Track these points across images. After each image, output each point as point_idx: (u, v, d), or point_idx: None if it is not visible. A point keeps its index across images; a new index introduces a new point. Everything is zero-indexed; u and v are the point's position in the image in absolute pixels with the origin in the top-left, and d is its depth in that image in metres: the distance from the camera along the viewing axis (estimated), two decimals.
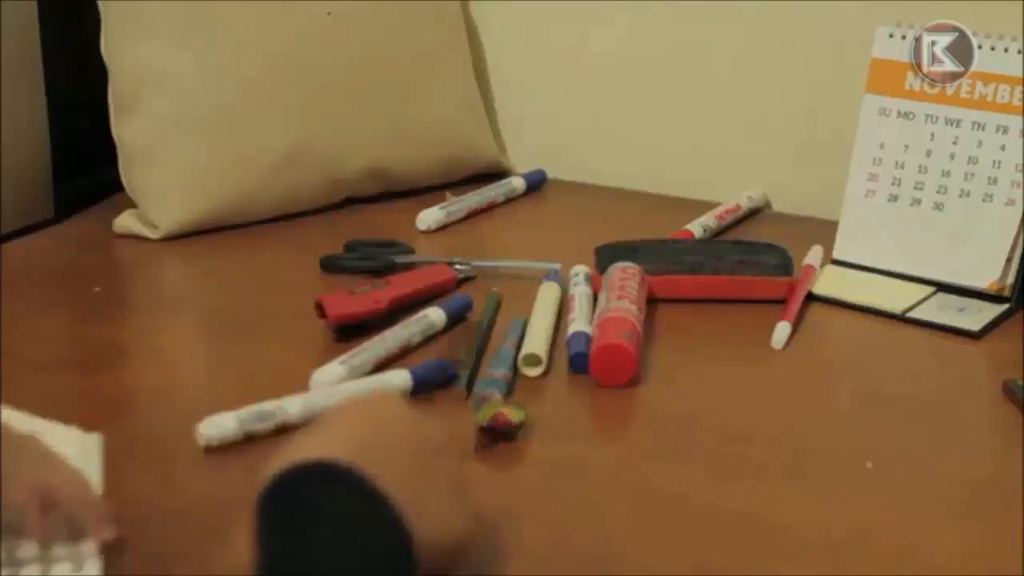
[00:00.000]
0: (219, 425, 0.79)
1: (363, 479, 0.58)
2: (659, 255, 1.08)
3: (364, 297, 0.98)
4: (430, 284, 1.03)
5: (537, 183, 1.35)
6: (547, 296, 1.02)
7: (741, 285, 1.05)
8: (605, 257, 1.07)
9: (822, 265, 1.10)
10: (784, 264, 1.07)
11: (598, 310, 0.96)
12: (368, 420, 0.65)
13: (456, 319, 0.99)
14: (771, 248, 1.10)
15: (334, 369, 0.88)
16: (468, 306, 1.01)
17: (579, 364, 0.91)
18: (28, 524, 0.65)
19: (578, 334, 0.94)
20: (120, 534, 0.67)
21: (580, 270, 1.05)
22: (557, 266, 1.07)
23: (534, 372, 0.91)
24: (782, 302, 1.02)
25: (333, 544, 0.55)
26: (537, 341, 0.93)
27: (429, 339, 0.96)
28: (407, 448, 0.63)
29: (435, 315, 0.97)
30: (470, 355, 0.92)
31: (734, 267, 1.06)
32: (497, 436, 0.82)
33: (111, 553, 0.66)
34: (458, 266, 1.08)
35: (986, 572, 0.68)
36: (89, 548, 0.66)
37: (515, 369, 0.91)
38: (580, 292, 1.01)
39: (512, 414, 0.82)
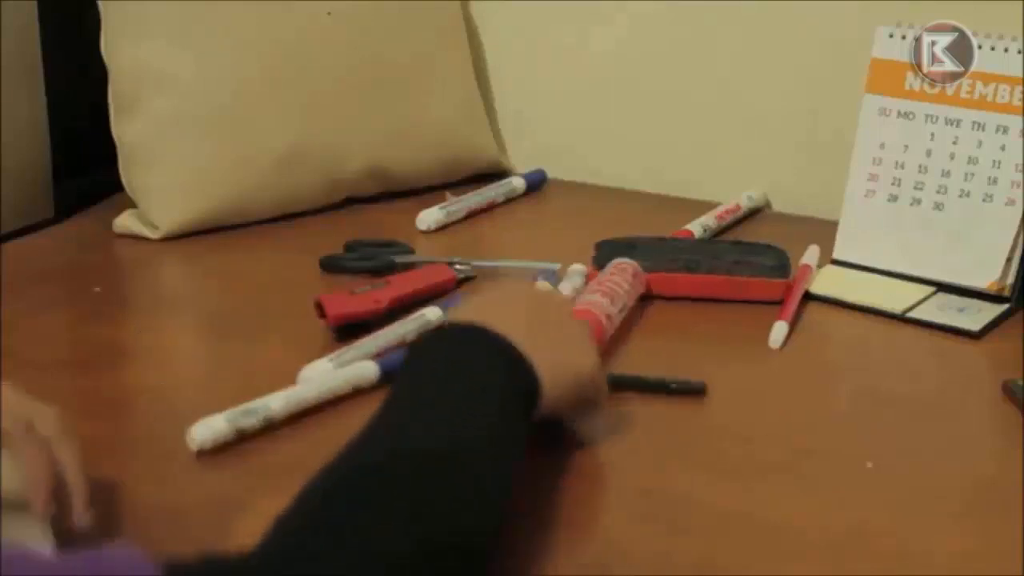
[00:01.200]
0: (210, 427, 0.79)
1: (498, 336, 0.72)
2: (657, 252, 1.08)
3: (364, 297, 0.98)
4: (430, 284, 1.03)
5: (537, 183, 1.35)
6: None
7: (737, 285, 1.05)
8: (604, 253, 1.07)
9: (820, 265, 1.10)
10: (781, 265, 1.07)
11: (576, 303, 0.96)
12: (516, 298, 0.82)
13: None
14: (770, 249, 1.10)
15: (323, 366, 0.88)
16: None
17: None
18: (38, 501, 0.66)
19: None
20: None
21: (577, 268, 1.05)
22: (556, 266, 1.07)
23: None
24: (779, 303, 1.02)
25: (475, 382, 0.71)
26: None
27: None
28: (543, 317, 0.79)
29: (432, 314, 0.97)
30: None
31: (730, 267, 1.06)
32: None
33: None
34: (458, 266, 1.08)
35: (986, 572, 0.68)
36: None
37: None
38: (568, 289, 1.02)
39: None
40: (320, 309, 0.96)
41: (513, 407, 0.72)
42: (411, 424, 0.67)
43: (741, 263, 1.06)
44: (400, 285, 1.02)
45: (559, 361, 0.76)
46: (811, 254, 1.10)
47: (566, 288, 1.03)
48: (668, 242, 1.13)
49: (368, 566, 0.57)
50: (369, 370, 0.88)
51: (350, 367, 0.89)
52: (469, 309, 0.79)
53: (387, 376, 0.88)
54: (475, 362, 0.72)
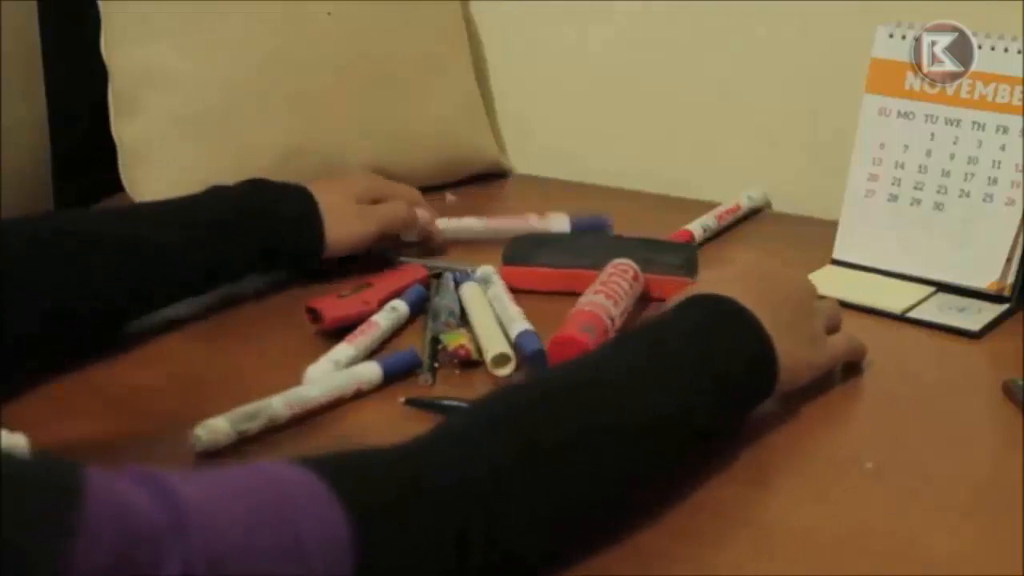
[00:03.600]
0: (212, 430, 0.79)
1: (744, 310, 0.79)
2: (566, 250, 1.08)
3: (354, 299, 1.00)
4: (408, 283, 1.04)
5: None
6: (473, 296, 1.02)
7: (647, 284, 1.02)
8: (515, 251, 1.08)
9: (819, 265, 1.10)
10: (687, 263, 1.05)
11: (577, 305, 0.95)
12: (762, 276, 0.86)
13: (417, 309, 1.01)
14: (677, 247, 1.11)
15: (325, 366, 0.88)
16: (425, 297, 1.03)
17: (540, 360, 0.90)
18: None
19: (526, 332, 0.93)
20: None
21: (486, 270, 1.05)
22: (469, 268, 1.06)
23: (504, 372, 0.91)
24: None
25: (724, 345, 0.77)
26: (497, 340, 0.93)
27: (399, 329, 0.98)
28: (788, 299, 0.84)
29: (400, 306, 0.99)
30: (424, 342, 0.94)
31: (642, 266, 1.02)
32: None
33: None
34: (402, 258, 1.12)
35: (986, 572, 0.68)
36: None
37: (460, 304, 1.00)
38: (494, 294, 1.01)
39: (472, 350, 0.91)
40: (312, 314, 0.97)
41: (742, 396, 0.79)
42: (626, 391, 0.72)
43: (651, 262, 1.03)
44: (383, 286, 1.03)
45: (801, 359, 0.82)
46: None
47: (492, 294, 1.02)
48: (578, 240, 1.13)
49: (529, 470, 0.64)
50: (372, 371, 0.88)
51: (353, 368, 0.89)
52: (735, 285, 0.82)
53: (389, 377, 0.88)
54: (728, 344, 0.78)
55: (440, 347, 0.93)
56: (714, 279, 0.85)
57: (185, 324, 0.99)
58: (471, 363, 0.92)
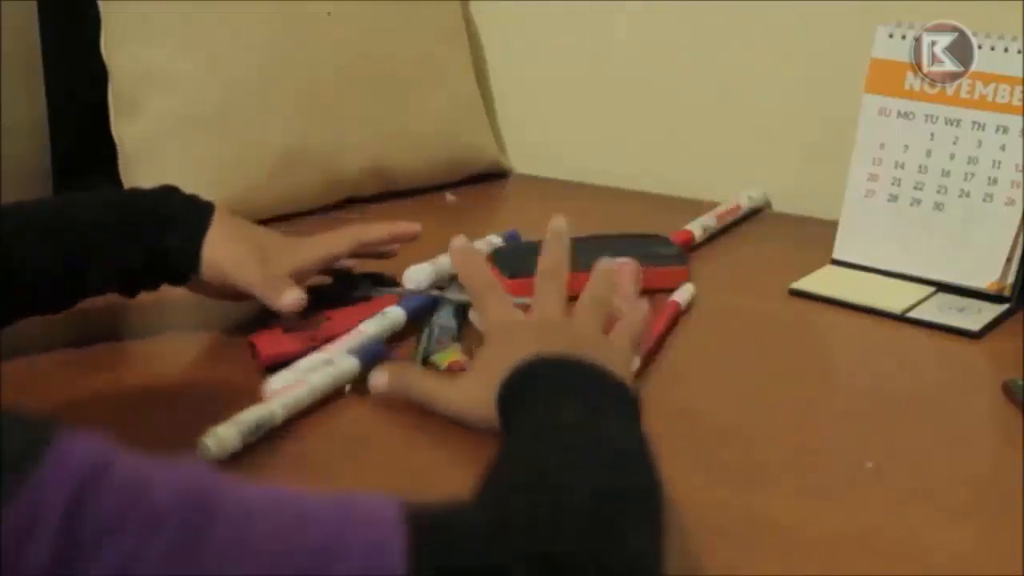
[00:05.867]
0: (220, 439, 0.78)
1: (579, 358, 0.72)
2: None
3: (298, 336, 0.92)
4: (370, 314, 0.96)
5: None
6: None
7: (651, 276, 1.00)
8: (509, 264, 1.05)
9: (819, 266, 1.10)
10: (679, 254, 1.09)
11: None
12: (543, 326, 0.81)
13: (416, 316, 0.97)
14: (658, 238, 1.12)
15: (286, 375, 0.86)
16: (428, 304, 1.00)
17: None
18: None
19: None
20: None
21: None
22: (400, 288, 1.02)
23: None
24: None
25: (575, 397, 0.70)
26: None
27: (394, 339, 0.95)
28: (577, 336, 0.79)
29: (394, 312, 0.96)
30: (416, 361, 0.91)
31: (641, 259, 1.02)
32: None
33: None
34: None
35: (986, 572, 0.68)
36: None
37: (460, 317, 0.96)
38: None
39: (466, 362, 0.87)
40: (253, 349, 0.91)
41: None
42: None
43: (647, 256, 1.01)
44: (341, 321, 0.95)
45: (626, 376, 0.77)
46: (683, 292, 1.05)
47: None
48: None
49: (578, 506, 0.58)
50: (350, 364, 0.87)
51: (336, 364, 0.87)
52: (525, 342, 0.76)
53: (367, 367, 0.87)
54: (589, 390, 0.71)
55: (430, 366, 0.90)
56: (504, 348, 0.78)
57: (186, 322, 0.99)
58: None
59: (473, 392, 0.78)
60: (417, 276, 1.04)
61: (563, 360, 0.73)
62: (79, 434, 0.46)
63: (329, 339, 0.91)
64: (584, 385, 0.72)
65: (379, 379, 0.85)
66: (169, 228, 0.91)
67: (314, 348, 0.90)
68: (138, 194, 0.94)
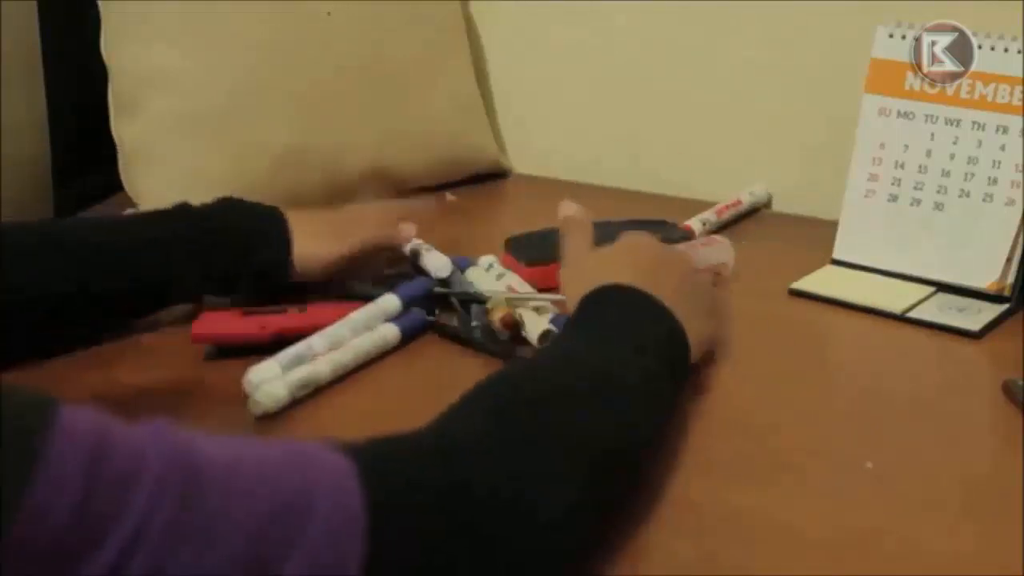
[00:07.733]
0: (271, 395, 0.84)
1: (647, 295, 0.80)
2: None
3: (250, 320, 0.93)
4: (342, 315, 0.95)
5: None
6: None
7: None
8: (528, 252, 1.07)
9: (819, 265, 1.10)
10: (685, 236, 1.12)
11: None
12: (645, 254, 0.88)
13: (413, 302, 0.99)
14: (665, 223, 1.13)
15: (269, 365, 0.86)
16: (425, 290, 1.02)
17: None
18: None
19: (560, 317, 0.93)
20: None
21: (488, 260, 1.06)
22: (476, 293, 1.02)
23: None
24: None
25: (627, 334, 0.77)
26: (538, 319, 0.93)
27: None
28: (676, 272, 0.87)
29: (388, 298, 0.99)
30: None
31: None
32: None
33: None
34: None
35: (986, 572, 0.68)
36: None
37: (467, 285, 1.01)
38: (515, 280, 1.02)
39: (517, 321, 0.92)
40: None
41: (670, 372, 0.79)
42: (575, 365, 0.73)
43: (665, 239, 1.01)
44: (316, 313, 0.95)
45: (703, 330, 0.86)
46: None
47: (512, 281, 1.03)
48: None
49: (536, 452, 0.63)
50: (391, 332, 0.94)
51: (376, 331, 0.93)
52: (625, 268, 0.84)
53: (407, 336, 0.95)
54: (645, 330, 0.79)
55: (487, 310, 0.94)
56: (603, 263, 0.87)
57: (186, 322, 0.99)
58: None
59: (575, 288, 0.84)
60: (439, 263, 1.04)
61: (637, 294, 0.80)
62: (71, 404, 0.48)
63: (283, 329, 0.92)
64: (637, 325, 0.79)
65: (569, 208, 0.97)
66: (249, 244, 0.98)
67: (260, 336, 0.92)
68: (207, 212, 0.99)
